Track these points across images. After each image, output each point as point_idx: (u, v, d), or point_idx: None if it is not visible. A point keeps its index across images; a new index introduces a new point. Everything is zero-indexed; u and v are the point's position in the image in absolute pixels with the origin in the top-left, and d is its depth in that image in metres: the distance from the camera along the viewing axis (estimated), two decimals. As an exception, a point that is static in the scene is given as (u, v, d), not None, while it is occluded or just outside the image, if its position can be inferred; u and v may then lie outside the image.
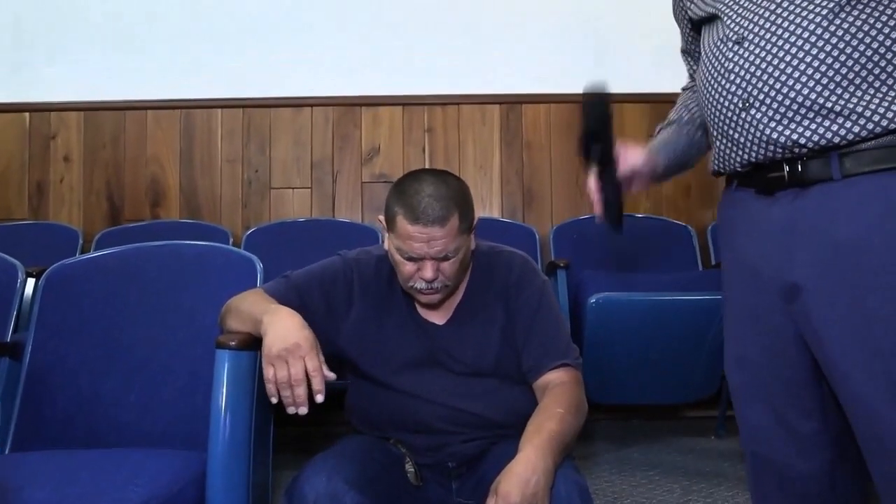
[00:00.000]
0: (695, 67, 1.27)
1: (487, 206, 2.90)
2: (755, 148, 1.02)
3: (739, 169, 1.07)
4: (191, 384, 1.49)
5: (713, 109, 1.08)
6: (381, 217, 1.34)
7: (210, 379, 1.26)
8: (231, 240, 2.71)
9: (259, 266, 1.59)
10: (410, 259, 1.28)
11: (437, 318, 1.38)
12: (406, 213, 1.26)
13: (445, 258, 1.28)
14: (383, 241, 1.37)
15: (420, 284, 1.29)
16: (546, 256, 2.71)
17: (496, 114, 2.94)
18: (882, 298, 0.94)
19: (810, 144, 0.98)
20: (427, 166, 2.89)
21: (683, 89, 1.33)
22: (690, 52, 1.28)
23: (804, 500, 1.08)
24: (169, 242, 1.72)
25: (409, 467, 1.32)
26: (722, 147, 1.09)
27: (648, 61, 2.77)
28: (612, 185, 1.15)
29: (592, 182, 1.17)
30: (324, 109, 2.93)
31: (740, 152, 1.05)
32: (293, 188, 2.91)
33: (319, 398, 1.14)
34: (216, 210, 2.90)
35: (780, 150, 1.00)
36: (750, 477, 1.14)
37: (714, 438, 2.42)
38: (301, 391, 1.14)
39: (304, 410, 1.14)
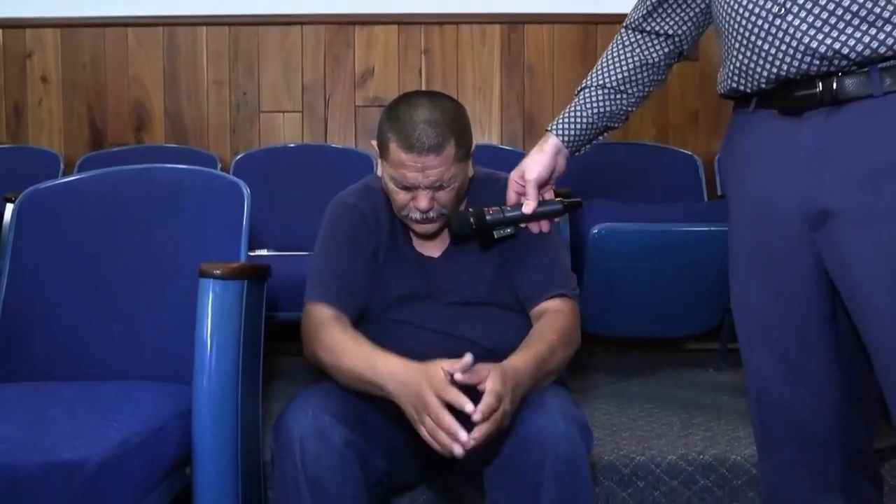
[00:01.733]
0: None
1: (486, 133, 2.79)
2: (788, 60, 0.93)
3: (765, 85, 0.98)
4: (176, 314, 1.43)
5: (738, 17, 0.97)
6: (374, 142, 1.28)
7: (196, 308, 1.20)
8: (219, 165, 2.61)
9: (246, 191, 1.51)
10: (405, 188, 1.23)
11: (432, 250, 1.34)
12: (399, 141, 1.19)
13: (441, 187, 1.23)
14: (377, 168, 1.29)
15: (415, 214, 1.25)
16: (546, 186, 2.62)
17: (497, 35, 2.80)
18: None
19: (853, 55, 0.89)
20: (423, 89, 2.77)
21: (627, 28, 1.20)
22: None
23: (811, 442, 1.04)
24: (151, 166, 1.64)
25: None
26: (745, 61, 0.98)
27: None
28: (522, 219, 1.23)
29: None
30: (314, 28, 2.78)
31: (768, 66, 0.95)
32: (283, 112, 2.79)
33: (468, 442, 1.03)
34: (203, 135, 2.78)
35: (818, 62, 0.91)
36: (755, 418, 1.10)
37: (713, 371, 2.40)
38: (442, 437, 1.04)
39: (458, 451, 1.03)
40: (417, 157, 1.18)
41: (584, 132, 1.19)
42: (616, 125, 1.22)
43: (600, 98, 1.18)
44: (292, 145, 2.72)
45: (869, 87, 0.89)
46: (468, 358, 1.06)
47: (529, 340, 1.22)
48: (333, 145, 2.74)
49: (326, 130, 2.78)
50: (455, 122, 1.22)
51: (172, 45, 2.78)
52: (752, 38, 0.96)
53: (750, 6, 0.95)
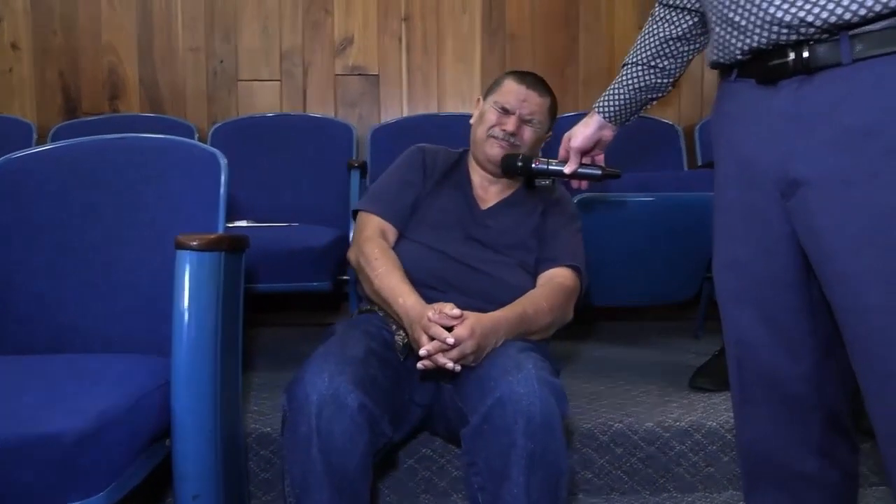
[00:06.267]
0: None
1: (467, 103, 2.76)
2: (758, 31, 0.94)
3: (740, 56, 0.99)
4: (154, 286, 1.42)
5: None
6: (480, 97, 1.62)
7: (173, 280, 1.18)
8: (197, 135, 2.57)
9: (223, 161, 1.49)
10: (503, 110, 1.53)
11: (484, 202, 1.57)
12: (515, 77, 1.57)
13: (529, 122, 1.54)
14: (476, 112, 1.60)
15: (498, 133, 1.53)
16: (528, 155, 2.61)
17: (478, 0, 2.76)
18: (892, 185, 0.87)
19: (818, 23, 0.89)
20: (404, 59, 2.74)
21: (658, 2, 1.23)
22: None
23: (791, 402, 1.06)
24: (127, 135, 1.61)
25: (399, 340, 1.36)
26: (722, 34, 1.00)
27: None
28: (562, 175, 1.42)
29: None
30: (292, -7, 2.72)
31: (742, 37, 0.97)
32: (261, 80, 2.74)
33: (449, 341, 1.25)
34: (180, 104, 2.73)
35: (787, 32, 0.92)
36: (734, 379, 1.12)
37: (692, 340, 2.43)
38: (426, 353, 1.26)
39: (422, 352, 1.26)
40: (525, 89, 1.53)
41: (625, 106, 1.27)
42: (661, 95, 1.28)
43: (637, 74, 1.25)
44: (271, 114, 2.68)
45: (838, 54, 0.90)
46: (455, 312, 1.27)
47: (520, 300, 1.39)
48: (313, 115, 2.70)
49: (305, 99, 2.74)
50: (553, 98, 1.60)
51: (145, 9, 2.71)
52: (726, 13, 0.98)
53: None
